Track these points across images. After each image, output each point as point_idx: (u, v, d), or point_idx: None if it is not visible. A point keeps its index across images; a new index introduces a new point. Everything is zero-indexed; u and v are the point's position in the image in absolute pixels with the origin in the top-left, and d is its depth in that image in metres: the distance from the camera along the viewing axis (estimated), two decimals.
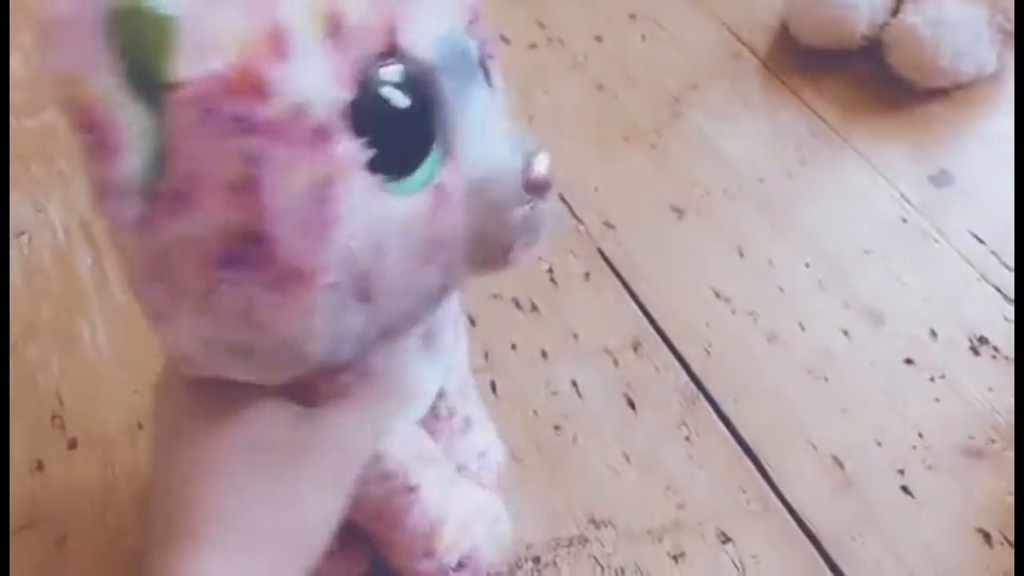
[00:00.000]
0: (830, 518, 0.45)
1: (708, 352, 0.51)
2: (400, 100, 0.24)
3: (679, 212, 0.58)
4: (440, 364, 0.34)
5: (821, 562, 0.43)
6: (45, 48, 0.21)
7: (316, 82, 0.22)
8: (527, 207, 0.27)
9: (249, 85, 0.21)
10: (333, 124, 0.23)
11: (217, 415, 0.26)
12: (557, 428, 0.47)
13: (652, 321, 0.52)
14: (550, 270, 0.54)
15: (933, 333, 0.52)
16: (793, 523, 0.45)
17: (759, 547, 0.44)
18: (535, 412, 0.48)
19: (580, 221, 0.57)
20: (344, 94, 0.23)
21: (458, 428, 0.38)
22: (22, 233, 0.54)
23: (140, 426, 0.46)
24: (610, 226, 0.57)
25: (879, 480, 0.46)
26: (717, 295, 0.53)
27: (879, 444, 0.48)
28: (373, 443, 0.29)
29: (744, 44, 0.68)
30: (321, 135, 0.22)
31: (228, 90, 0.21)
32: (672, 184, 0.59)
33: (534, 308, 0.53)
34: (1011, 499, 0.45)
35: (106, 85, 0.21)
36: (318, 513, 0.27)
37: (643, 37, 0.69)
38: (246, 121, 0.22)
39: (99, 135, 0.21)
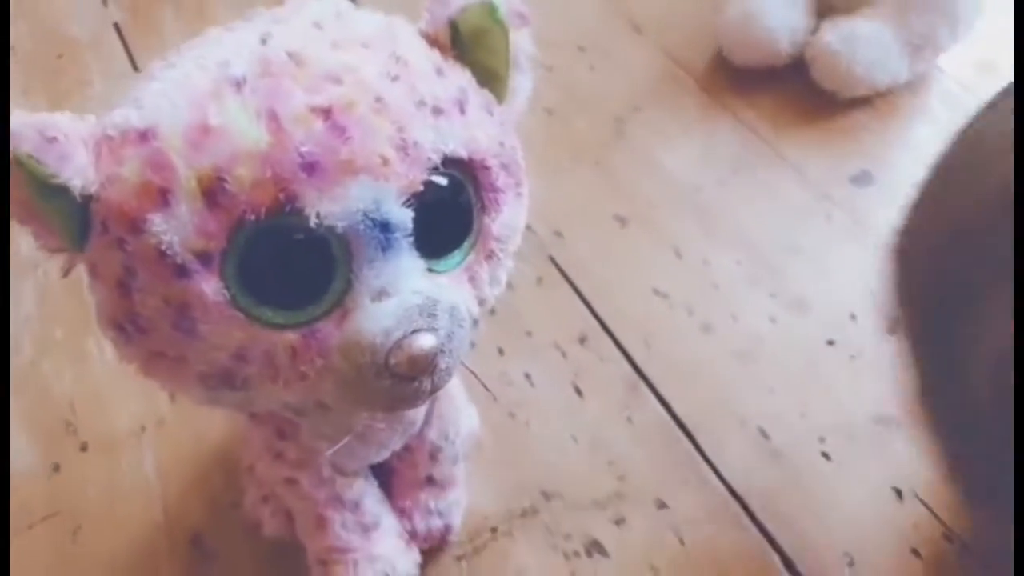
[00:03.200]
0: (758, 484, 0.50)
1: (648, 344, 0.56)
2: (275, 254, 0.27)
3: (622, 221, 0.64)
4: (403, 437, 0.40)
5: (749, 523, 0.48)
6: None
7: (182, 233, 0.26)
8: (389, 381, 0.28)
9: (129, 219, 0.27)
10: (191, 267, 0.27)
11: None
12: (512, 415, 0.53)
13: (597, 317, 0.58)
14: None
15: (853, 317, 0.58)
16: (724, 490, 0.50)
17: (694, 513, 0.49)
18: (494, 400, 0.54)
19: (532, 231, 0.63)
20: (211, 244, 0.26)
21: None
22: (38, 267, 0.61)
23: (143, 429, 0.52)
24: (559, 235, 0.63)
25: (802, 449, 0.52)
26: (656, 292, 0.59)
27: (802, 416, 0.53)
28: None
29: (682, 68, 0.75)
30: (180, 272, 0.27)
31: (115, 218, 0.27)
32: (616, 196, 0.65)
33: (491, 310, 0.59)
34: (922, 460, 0.50)
35: (27, 195, 0.27)
36: None
37: (591, 67, 0.75)
38: (123, 245, 0.27)
39: (28, 222, 0.28)
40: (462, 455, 0.46)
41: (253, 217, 0.26)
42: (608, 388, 0.54)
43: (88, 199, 0.27)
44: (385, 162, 0.27)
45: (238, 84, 0.27)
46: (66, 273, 0.29)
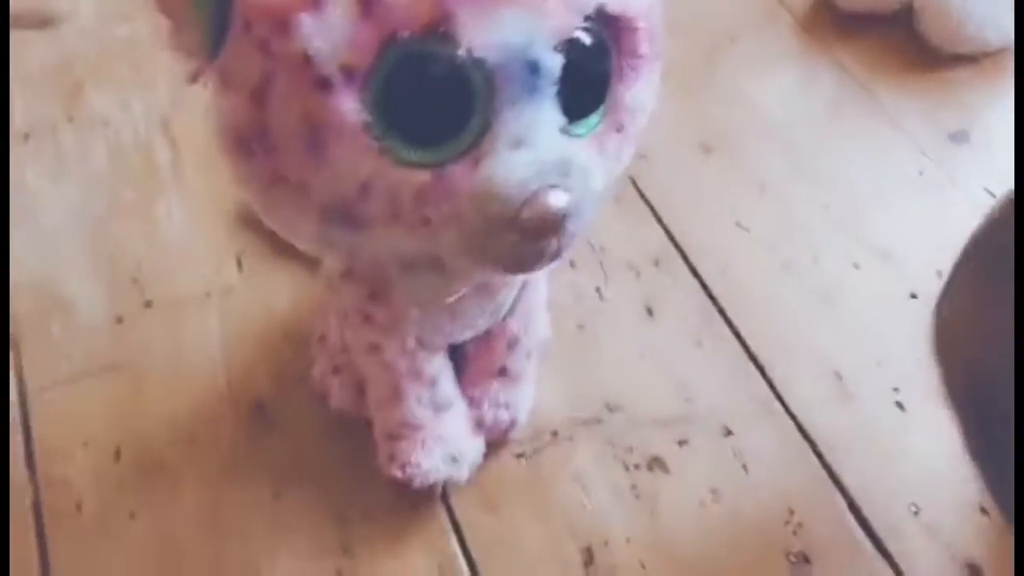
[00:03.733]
0: (827, 425, 0.49)
1: (725, 273, 0.55)
2: (418, 82, 0.25)
3: (707, 149, 0.62)
4: (489, 317, 0.39)
5: (815, 460, 0.47)
6: None
7: (331, 41, 0.25)
8: (517, 236, 0.26)
9: (277, 20, 0.25)
10: (335, 81, 0.25)
11: None
12: (580, 327, 0.52)
13: (674, 242, 0.56)
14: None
15: (939, 273, 0.55)
16: (792, 426, 0.49)
17: (759, 443, 0.48)
18: (562, 311, 0.52)
19: None
20: (360, 59, 0.25)
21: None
22: (107, 124, 0.60)
23: (209, 295, 0.51)
24: (642, 156, 0.61)
25: (875, 396, 0.50)
26: (737, 224, 0.58)
27: (878, 364, 0.52)
28: None
29: (783, 4, 0.72)
30: (321, 85, 0.25)
31: (262, 16, 0.25)
32: (703, 124, 0.63)
33: None
34: None
35: None
36: None
37: None
38: (267, 47, 0.25)
39: (172, 14, 0.26)
40: (536, 352, 0.46)
41: (406, 34, 0.25)
42: (680, 312, 0.53)
43: None
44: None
45: None
46: (194, 79, 0.28)
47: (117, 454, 0.45)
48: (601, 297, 0.54)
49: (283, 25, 0.25)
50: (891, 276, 0.56)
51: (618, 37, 0.29)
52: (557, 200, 0.26)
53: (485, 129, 0.26)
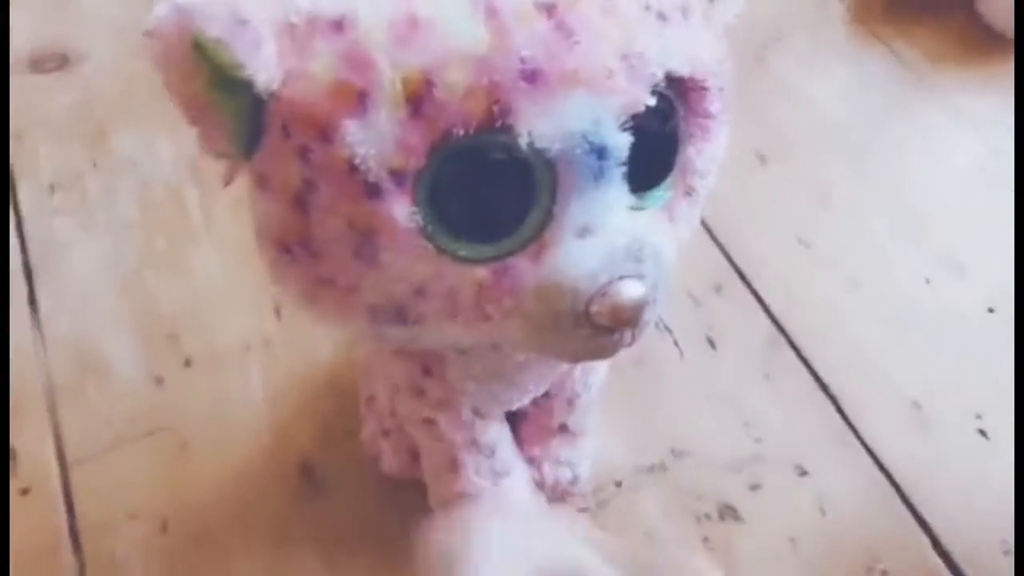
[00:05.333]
0: (907, 458, 0.46)
1: (790, 296, 0.52)
2: (474, 177, 0.23)
3: (762, 158, 0.58)
4: (545, 383, 0.37)
5: (896, 498, 0.44)
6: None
7: (378, 146, 0.22)
8: (588, 331, 0.24)
9: (318, 124, 0.22)
10: (384, 186, 0.23)
11: None
12: (639, 363, 0.49)
13: (734, 264, 0.53)
14: None
15: (1015, 284, 0.52)
16: (870, 461, 0.46)
17: (837, 483, 0.45)
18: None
19: None
20: (410, 162, 0.22)
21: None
22: (134, 167, 0.58)
23: (248, 348, 0.49)
24: None
25: (957, 424, 0.47)
26: (799, 241, 0.54)
27: (958, 389, 0.48)
28: None
29: None
30: (370, 192, 0.23)
31: (302, 121, 0.23)
32: (756, 131, 0.60)
33: None
34: None
35: (200, 89, 0.22)
36: None
37: None
38: (308, 153, 0.23)
39: (198, 121, 0.24)
40: (595, 403, 0.43)
41: (461, 132, 0.22)
42: (745, 342, 0.50)
43: (268, 97, 0.23)
44: (610, 74, 0.23)
45: None
46: (228, 182, 0.25)
47: (164, 526, 0.43)
48: (660, 329, 0.51)
49: (325, 131, 0.22)
50: (966, 290, 0.52)
51: (687, 98, 0.26)
52: (631, 291, 0.24)
53: (548, 219, 0.24)
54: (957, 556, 0.43)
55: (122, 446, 0.46)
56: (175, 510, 0.44)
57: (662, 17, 0.25)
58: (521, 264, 0.24)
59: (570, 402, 0.41)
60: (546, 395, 0.40)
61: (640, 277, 0.24)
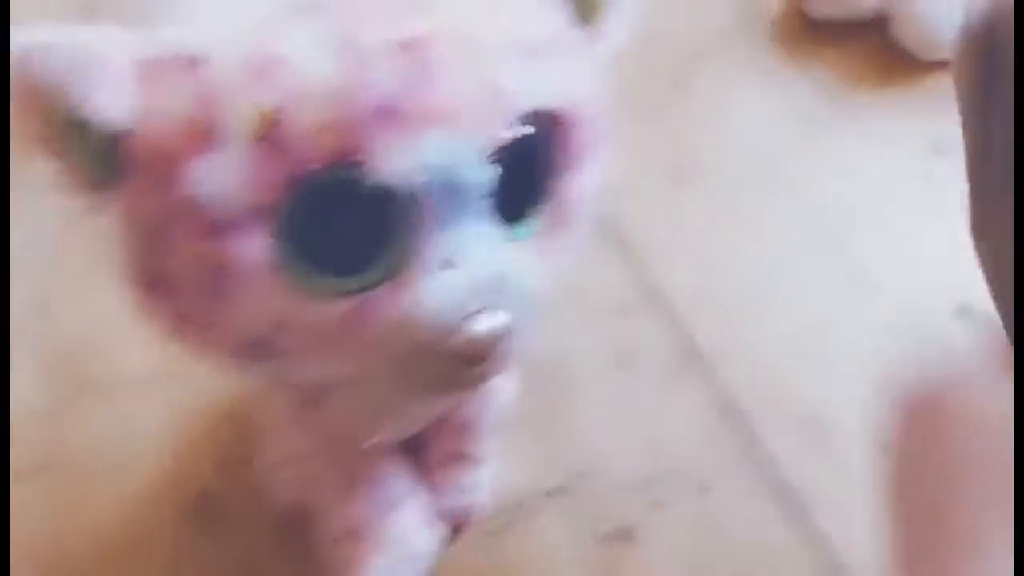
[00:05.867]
0: (813, 478, 0.46)
1: (701, 315, 0.52)
2: (330, 213, 0.23)
3: (680, 181, 0.58)
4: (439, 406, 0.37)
5: (801, 519, 0.44)
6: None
7: (229, 184, 0.22)
8: (447, 363, 0.24)
9: (168, 162, 0.22)
10: (236, 224, 0.22)
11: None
12: (548, 384, 0.49)
13: (645, 282, 0.53)
14: None
15: (926, 308, 0.52)
16: (776, 481, 0.46)
17: (740, 503, 0.45)
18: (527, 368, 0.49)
19: None
20: (264, 197, 0.22)
21: None
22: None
23: (151, 376, 0.48)
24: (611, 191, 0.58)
25: (864, 446, 0.47)
26: (712, 262, 0.54)
27: (865, 408, 0.48)
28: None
29: (751, 12, 0.69)
30: (221, 228, 0.23)
31: (150, 159, 0.23)
32: (674, 153, 0.60)
33: None
34: None
35: (51, 127, 0.22)
36: None
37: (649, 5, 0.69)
38: (159, 190, 0.23)
39: (55, 157, 0.23)
40: (497, 426, 0.43)
41: (311, 166, 0.22)
42: (655, 361, 0.50)
43: (121, 135, 0.23)
44: (470, 111, 0.23)
45: (308, 7, 0.23)
46: (89, 216, 0.25)
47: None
48: (570, 348, 0.51)
49: (176, 168, 0.22)
50: (879, 312, 0.52)
51: (557, 131, 0.26)
52: (492, 322, 0.24)
53: (409, 252, 0.24)
54: (858, 573, 0.43)
55: (17, 480, 0.45)
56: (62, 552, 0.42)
57: (530, 52, 0.25)
58: (382, 297, 0.24)
59: (467, 427, 0.41)
60: (442, 421, 0.40)
61: (501, 310, 0.24)
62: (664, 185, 0.58)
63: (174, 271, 0.24)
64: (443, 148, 0.23)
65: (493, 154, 0.24)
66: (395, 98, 0.22)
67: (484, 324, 0.24)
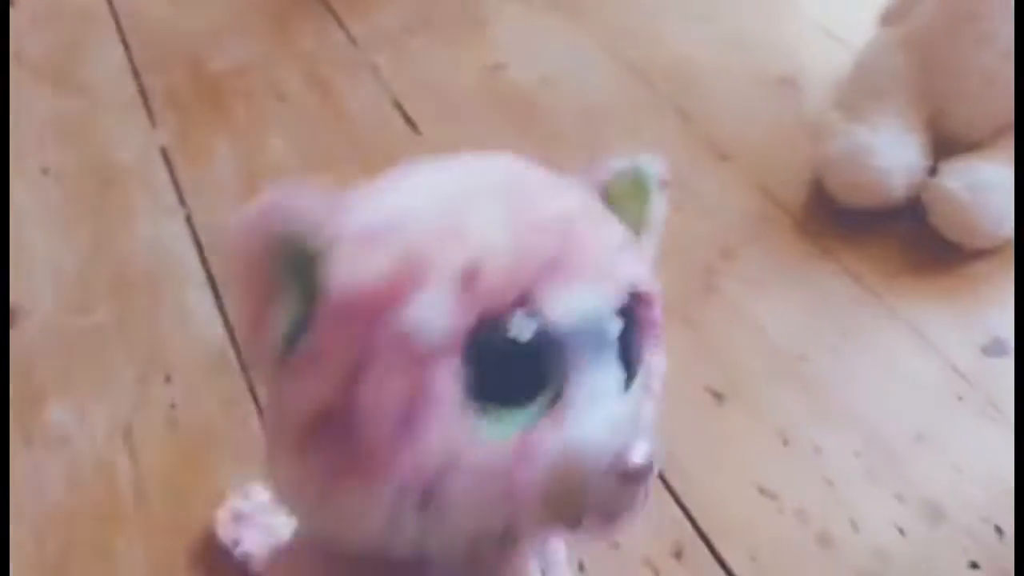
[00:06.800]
0: None
1: (755, 559, 0.48)
2: (504, 355, 0.27)
3: (718, 397, 0.56)
4: None
5: None
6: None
7: (434, 319, 0.26)
8: (609, 490, 0.27)
9: (384, 303, 0.26)
10: (436, 356, 0.26)
11: None
12: None
13: (694, 524, 0.50)
14: None
15: (999, 530, 0.49)
16: None
17: None
18: None
19: None
20: (455, 335, 0.26)
21: None
22: (67, 440, 0.56)
23: None
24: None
25: None
26: (762, 491, 0.51)
27: None
28: None
29: (778, 205, 0.68)
30: (422, 361, 0.26)
31: (366, 300, 0.27)
32: (710, 364, 0.58)
33: None
34: None
35: (271, 272, 0.27)
36: None
37: (674, 204, 0.68)
38: (371, 327, 0.26)
39: (259, 302, 0.27)
40: None
41: (499, 308, 0.26)
42: None
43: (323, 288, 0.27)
44: (603, 272, 0.28)
45: (482, 192, 0.29)
46: (271, 381, 0.28)
47: None
48: None
49: (389, 305, 0.26)
50: (944, 540, 0.49)
51: (641, 312, 0.31)
52: (644, 449, 0.26)
53: (563, 391, 0.27)
54: None
55: None
56: None
57: (620, 246, 0.30)
58: (543, 433, 0.27)
59: None
60: None
61: (644, 439, 0.27)
62: (704, 404, 0.56)
63: (365, 405, 0.26)
64: (589, 299, 0.28)
65: (618, 312, 0.29)
66: (555, 255, 0.27)
67: (640, 450, 0.26)
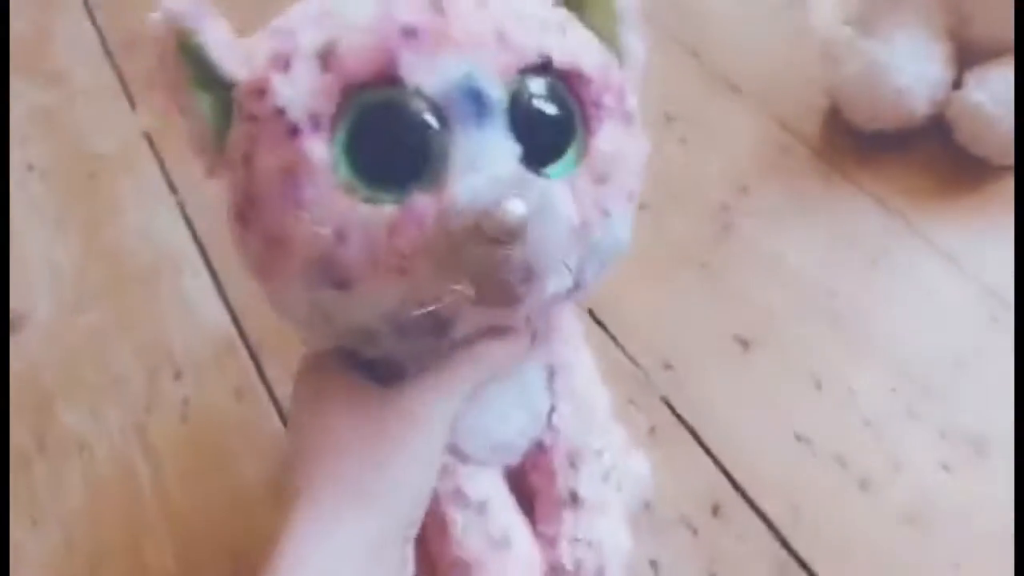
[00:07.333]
0: None
1: (796, 509, 0.47)
2: (379, 126, 0.28)
3: (744, 343, 0.54)
4: (524, 410, 0.37)
5: None
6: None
7: (299, 93, 0.28)
8: (483, 246, 0.27)
9: (256, 87, 0.29)
10: (304, 126, 0.28)
11: (323, 401, 0.32)
12: None
13: (730, 478, 0.48)
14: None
15: None
16: None
17: None
18: None
19: (637, 364, 0.54)
20: (322, 107, 0.28)
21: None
22: (83, 449, 0.54)
23: None
24: (670, 367, 0.53)
25: None
26: (798, 438, 0.49)
27: None
28: (448, 419, 0.32)
29: (793, 134, 0.64)
30: (292, 132, 0.28)
31: (247, 90, 0.29)
32: (732, 310, 0.55)
33: None
34: None
35: (184, 85, 0.30)
36: (411, 480, 0.31)
37: (683, 140, 0.65)
38: (250, 113, 0.29)
39: (184, 112, 0.30)
40: (625, 490, 0.39)
41: (360, 80, 0.28)
42: (753, 573, 0.45)
43: (233, 87, 0.30)
44: (481, 42, 0.29)
45: None
46: (210, 174, 0.31)
47: None
48: (658, 574, 0.46)
49: (260, 89, 0.29)
50: (992, 474, 0.47)
51: (575, 90, 0.31)
52: (514, 206, 0.27)
53: (445, 160, 0.28)
54: None
55: None
56: None
57: (537, 21, 0.30)
58: (425, 200, 0.28)
59: (572, 462, 0.37)
60: (542, 450, 0.38)
61: (524, 199, 0.27)
62: (730, 352, 0.53)
63: (259, 183, 0.29)
64: (460, 66, 0.28)
65: (508, 83, 0.29)
66: (416, 25, 0.28)
67: (509, 206, 0.27)
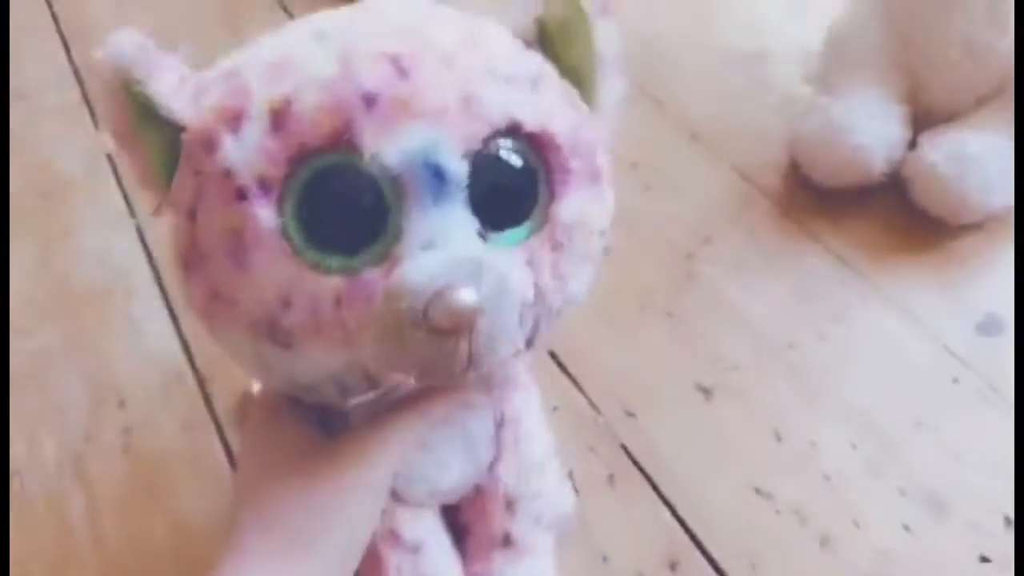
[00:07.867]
0: None
1: (755, 567, 0.46)
2: (330, 192, 0.27)
3: (706, 392, 0.53)
4: (467, 459, 0.36)
5: None
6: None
7: (248, 155, 0.27)
8: (426, 334, 0.26)
9: (204, 140, 0.28)
10: (251, 190, 0.27)
11: (267, 449, 0.32)
12: None
13: (688, 531, 0.47)
14: (570, 474, 0.49)
15: (1007, 521, 0.47)
16: None
17: None
18: None
19: (598, 411, 0.53)
20: (273, 171, 0.27)
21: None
22: (14, 476, 0.52)
23: None
24: (631, 415, 0.52)
25: None
26: (758, 492, 0.49)
27: None
28: (391, 469, 0.32)
29: (754, 185, 0.65)
30: (240, 195, 0.27)
31: (194, 139, 0.28)
32: (695, 358, 0.55)
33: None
34: None
35: (129, 122, 0.28)
36: (351, 527, 0.31)
37: (646, 187, 0.66)
38: (198, 166, 0.28)
39: (129, 151, 0.29)
40: (553, 527, 0.39)
41: (314, 145, 0.27)
42: None
43: (180, 130, 0.28)
44: (445, 111, 0.27)
45: (322, 35, 0.29)
46: (156, 212, 0.30)
47: None
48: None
49: (209, 144, 0.28)
50: (951, 535, 0.47)
51: (542, 152, 0.30)
52: (465, 297, 0.26)
53: (398, 236, 0.27)
54: None
55: None
56: None
57: (509, 80, 0.29)
58: (373, 275, 0.27)
59: (509, 505, 0.37)
60: (481, 495, 0.37)
61: (475, 287, 0.26)
62: (690, 400, 0.53)
63: (204, 239, 0.28)
64: (421, 137, 0.27)
65: (471, 153, 0.28)
66: (377, 90, 0.27)
67: (459, 296, 0.26)
